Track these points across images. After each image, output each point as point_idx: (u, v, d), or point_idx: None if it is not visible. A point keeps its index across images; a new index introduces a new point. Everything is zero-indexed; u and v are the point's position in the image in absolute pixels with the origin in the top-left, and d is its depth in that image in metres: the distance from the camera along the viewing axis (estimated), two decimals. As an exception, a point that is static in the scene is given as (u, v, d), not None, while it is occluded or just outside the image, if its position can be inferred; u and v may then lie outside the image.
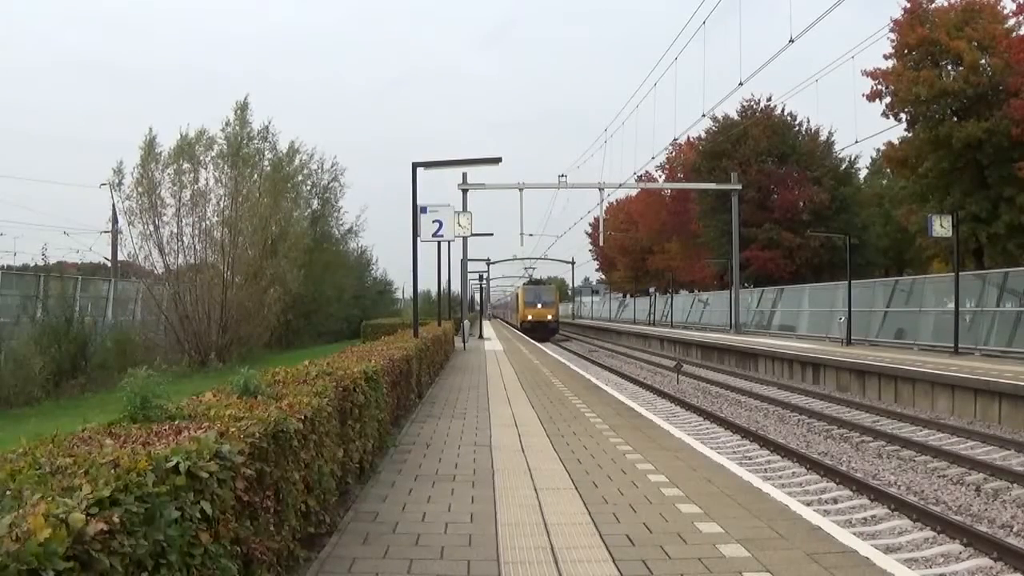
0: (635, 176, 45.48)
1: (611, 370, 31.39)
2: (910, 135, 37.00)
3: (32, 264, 29.24)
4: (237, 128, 34.77)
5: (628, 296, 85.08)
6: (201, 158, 31.77)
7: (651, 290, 68.10)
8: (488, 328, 57.62)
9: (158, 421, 4.30)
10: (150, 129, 30.43)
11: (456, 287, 41.06)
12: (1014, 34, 33.98)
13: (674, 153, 58.24)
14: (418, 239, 17.63)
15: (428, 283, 62.04)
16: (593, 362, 35.88)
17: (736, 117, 52.22)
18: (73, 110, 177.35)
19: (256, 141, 36.16)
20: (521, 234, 41.71)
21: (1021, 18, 33.84)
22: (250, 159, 34.58)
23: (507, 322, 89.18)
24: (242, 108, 35.60)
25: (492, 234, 62.46)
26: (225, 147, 33.16)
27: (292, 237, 36.59)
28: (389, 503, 6.75)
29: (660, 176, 64.06)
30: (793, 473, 11.99)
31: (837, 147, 53.35)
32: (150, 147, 30.09)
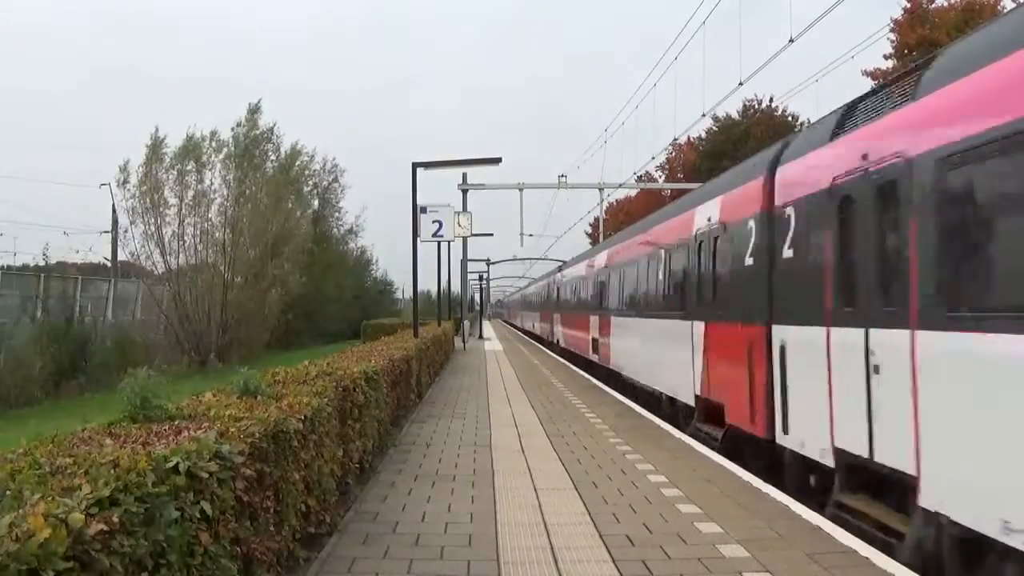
0: (635, 176, 45.48)
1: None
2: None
3: (32, 264, 29.25)
4: (247, 130, 34.91)
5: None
6: (208, 159, 31.93)
7: None
8: (488, 328, 57.62)
9: (158, 421, 4.31)
10: (156, 129, 30.58)
11: (456, 287, 41.06)
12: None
13: (674, 153, 58.25)
14: (418, 239, 17.64)
15: (428, 283, 62.05)
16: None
17: (737, 117, 52.24)
18: (74, 110, 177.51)
19: (262, 143, 36.34)
20: (521, 234, 41.64)
21: (1021, 18, 33.87)
22: (255, 160, 34.72)
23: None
24: (253, 111, 35.72)
25: (492, 234, 62.40)
26: (232, 148, 33.31)
27: (296, 239, 36.66)
28: (389, 503, 6.76)
29: (660, 176, 64.10)
30: (793, 473, 11.95)
31: (838, 147, 53.32)
32: (156, 147, 30.17)
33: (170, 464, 3.01)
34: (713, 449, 9.11)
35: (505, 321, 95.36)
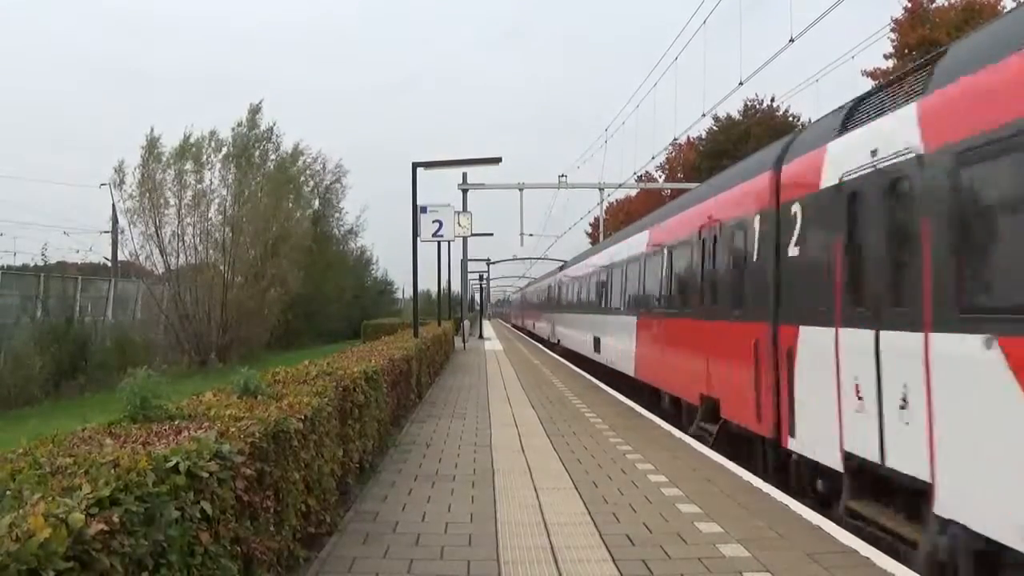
0: (635, 176, 45.46)
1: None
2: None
3: (32, 264, 29.22)
4: (247, 130, 34.91)
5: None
6: (207, 159, 31.91)
7: None
8: (488, 328, 57.63)
9: (158, 421, 4.31)
10: (151, 129, 30.53)
11: (456, 287, 41.05)
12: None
13: (674, 153, 58.26)
14: (418, 239, 17.63)
15: (428, 283, 61.99)
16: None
17: (738, 117, 52.23)
18: (75, 110, 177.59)
19: (262, 142, 36.33)
20: (521, 234, 41.58)
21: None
22: (255, 160, 34.72)
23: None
24: (254, 111, 35.72)
25: (492, 234, 62.39)
26: (231, 148, 33.31)
27: (294, 238, 36.63)
28: (389, 503, 6.76)
29: (660, 176, 64.10)
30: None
31: (838, 147, 53.23)
32: (152, 147, 30.15)
33: (170, 464, 3.01)
34: None
35: (515, 326, 70.98)
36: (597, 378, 18.27)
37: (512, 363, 24.37)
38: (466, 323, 39.62)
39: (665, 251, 13.29)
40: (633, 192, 63.73)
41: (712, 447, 9.44)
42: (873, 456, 5.96)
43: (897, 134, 5.85)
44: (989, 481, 4.68)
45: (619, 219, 74.97)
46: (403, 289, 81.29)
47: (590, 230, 75.73)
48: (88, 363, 22.33)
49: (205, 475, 3.18)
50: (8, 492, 2.54)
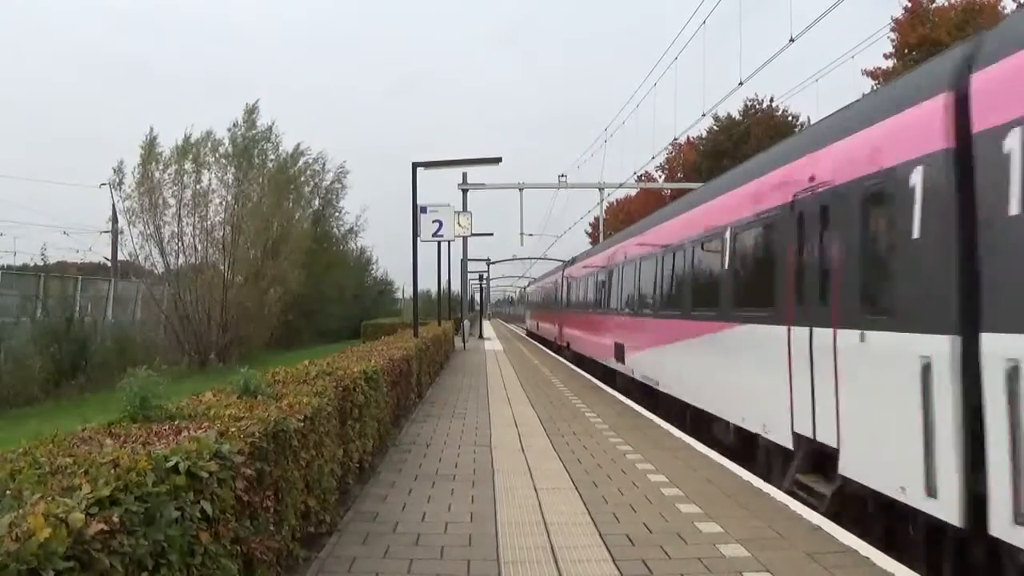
0: (635, 176, 45.48)
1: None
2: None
3: (32, 264, 29.19)
4: (244, 130, 34.93)
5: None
6: (205, 159, 31.90)
7: None
8: (488, 328, 57.62)
9: (158, 421, 4.31)
10: (151, 129, 30.55)
11: (456, 287, 41.05)
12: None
13: (674, 153, 58.25)
14: (418, 239, 17.63)
15: (428, 283, 61.96)
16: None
17: (738, 117, 52.24)
18: (74, 109, 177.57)
19: (261, 142, 36.34)
20: (521, 234, 41.57)
21: (1022, 18, 33.84)
22: (255, 160, 34.74)
23: None
24: (251, 111, 35.74)
25: (492, 234, 62.50)
26: (230, 148, 33.32)
27: (294, 238, 36.62)
28: (389, 503, 6.76)
29: (660, 176, 64.09)
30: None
31: (838, 147, 53.17)
32: (150, 147, 30.17)
33: (170, 464, 3.01)
34: None
35: (532, 334, 50.48)
36: None
37: (512, 363, 24.37)
38: (466, 323, 39.61)
39: None
40: (633, 192, 63.69)
41: None
42: None
43: None
44: None
45: (619, 219, 74.97)
46: (403, 289, 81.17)
47: (590, 230, 75.70)
48: (88, 363, 22.30)
49: (205, 475, 3.18)
50: (8, 492, 2.53)
